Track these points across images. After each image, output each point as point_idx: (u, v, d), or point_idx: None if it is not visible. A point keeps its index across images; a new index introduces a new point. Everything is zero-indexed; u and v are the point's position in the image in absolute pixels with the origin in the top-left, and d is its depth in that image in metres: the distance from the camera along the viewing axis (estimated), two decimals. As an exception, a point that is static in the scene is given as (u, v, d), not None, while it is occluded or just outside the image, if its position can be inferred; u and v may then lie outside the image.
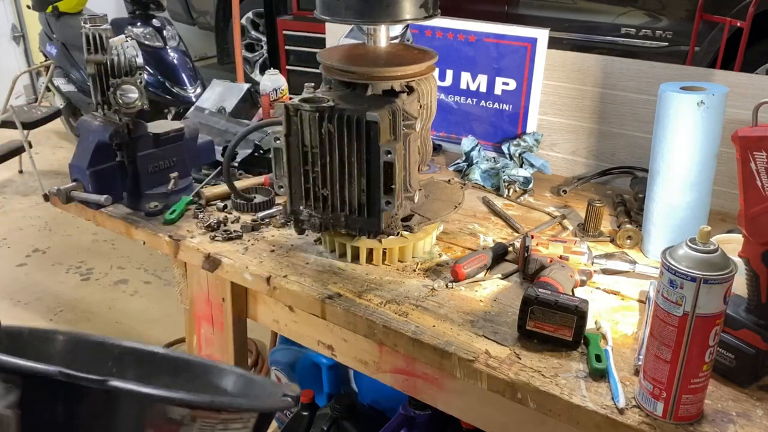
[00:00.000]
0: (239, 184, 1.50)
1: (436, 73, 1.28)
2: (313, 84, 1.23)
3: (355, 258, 1.23)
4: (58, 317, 2.77)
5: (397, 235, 1.19)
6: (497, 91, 1.70)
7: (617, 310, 1.11)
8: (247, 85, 2.00)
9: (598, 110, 1.63)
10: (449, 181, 1.42)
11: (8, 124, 3.75)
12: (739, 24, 3.34)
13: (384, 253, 1.22)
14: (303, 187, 1.18)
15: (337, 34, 1.64)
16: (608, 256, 1.21)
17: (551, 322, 0.98)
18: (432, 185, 1.38)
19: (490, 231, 1.38)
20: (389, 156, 1.09)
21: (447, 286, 1.16)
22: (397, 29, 1.32)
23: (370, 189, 1.13)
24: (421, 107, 1.20)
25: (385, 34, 1.20)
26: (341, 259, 1.24)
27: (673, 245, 0.84)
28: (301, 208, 1.19)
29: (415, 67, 1.17)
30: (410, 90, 1.18)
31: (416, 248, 1.25)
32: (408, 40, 1.29)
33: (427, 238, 1.26)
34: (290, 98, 1.52)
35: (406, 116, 1.14)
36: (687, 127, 1.18)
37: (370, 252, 1.22)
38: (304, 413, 1.93)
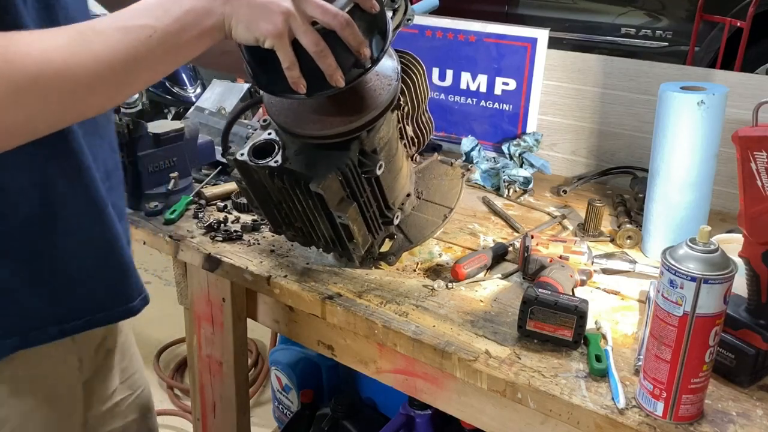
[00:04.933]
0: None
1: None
2: (268, 121, 1.08)
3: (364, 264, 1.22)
4: (58, 317, 2.77)
5: (376, 267, 1.18)
6: (497, 91, 1.70)
7: (617, 310, 1.11)
8: (247, 85, 2.00)
9: (598, 110, 1.64)
10: (452, 163, 1.34)
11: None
12: (739, 24, 3.34)
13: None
14: (278, 216, 1.16)
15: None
16: (608, 255, 1.21)
17: (551, 322, 0.98)
18: (430, 171, 1.32)
19: (490, 231, 1.38)
20: (342, 219, 1.03)
21: (447, 286, 1.16)
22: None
23: (336, 233, 1.10)
24: (401, 110, 1.13)
25: None
26: (339, 261, 1.24)
27: (673, 245, 0.84)
28: (283, 229, 1.19)
29: (367, 115, 0.99)
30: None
31: (414, 251, 1.25)
32: (408, 20, 1.15)
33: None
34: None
35: (365, 162, 1.04)
36: (687, 127, 1.18)
37: None
38: (304, 413, 1.94)
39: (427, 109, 1.27)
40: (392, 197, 1.14)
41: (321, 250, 1.20)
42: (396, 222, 1.16)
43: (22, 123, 0.66)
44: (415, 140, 1.24)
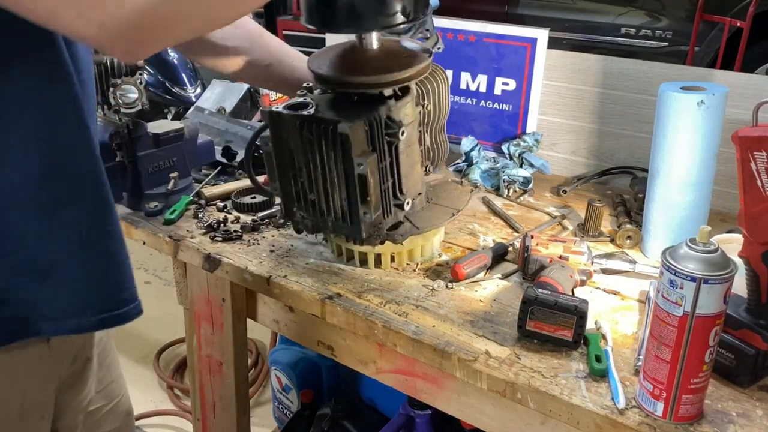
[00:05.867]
0: (239, 184, 1.50)
1: (450, 74, 1.26)
2: (309, 85, 1.20)
3: (363, 263, 1.22)
4: (58, 317, 2.76)
5: (381, 243, 1.18)
6: (497, 91, 1.70)
7: (617, 310, 1.11)
8: (247, 85, 2.00)
9: (598, 110, 1.63)
10: (461, 182, 1.38)
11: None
12: (739, 24, 3.35)
13: (392, 257, 1.22)
14: (293, 189, 1.17)
15: (336, 36, 1.64)
16: (608, 256, 1.21)
17: (551, 323, 0.98)
18: (441, 186, 1.35)
19: (490, 231, 1.38)
20: (361, 168, 1.06)
21: (447, 286, 1.16)
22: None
23: (350, 197, 1.11)
24: (424, 107, 1.18)
25: (375, 37, 1.15)
26: (339, 259, 1.24)
27: (673, 245, 0.84)
28: (294, 209, 1.19)
29: (398, 74, 1.10)
30: (404, 92, 1.14)
31: (424, 250, 1.25)
32: (438, 49, 1.23)
33: (435, 238, 1.26)
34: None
35: (390, 124, 1.10)
36: (687, 127, 1.18)
37: (377, 257, 1.22)
38: (304, 413, 1.94)
39: (445, 127, 1.30)
40: (406, 185, 1.17)
41: (329, 232, 1.20)
42: (407, 208, 1.19)
43: (168, 22, 0.71)
44: (431, 153, 1.26)
